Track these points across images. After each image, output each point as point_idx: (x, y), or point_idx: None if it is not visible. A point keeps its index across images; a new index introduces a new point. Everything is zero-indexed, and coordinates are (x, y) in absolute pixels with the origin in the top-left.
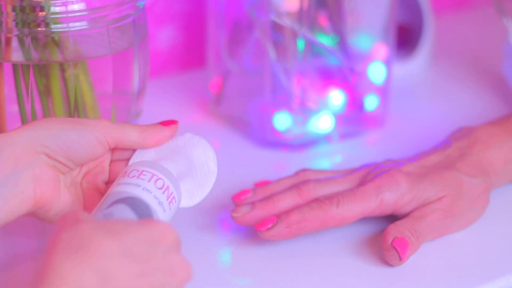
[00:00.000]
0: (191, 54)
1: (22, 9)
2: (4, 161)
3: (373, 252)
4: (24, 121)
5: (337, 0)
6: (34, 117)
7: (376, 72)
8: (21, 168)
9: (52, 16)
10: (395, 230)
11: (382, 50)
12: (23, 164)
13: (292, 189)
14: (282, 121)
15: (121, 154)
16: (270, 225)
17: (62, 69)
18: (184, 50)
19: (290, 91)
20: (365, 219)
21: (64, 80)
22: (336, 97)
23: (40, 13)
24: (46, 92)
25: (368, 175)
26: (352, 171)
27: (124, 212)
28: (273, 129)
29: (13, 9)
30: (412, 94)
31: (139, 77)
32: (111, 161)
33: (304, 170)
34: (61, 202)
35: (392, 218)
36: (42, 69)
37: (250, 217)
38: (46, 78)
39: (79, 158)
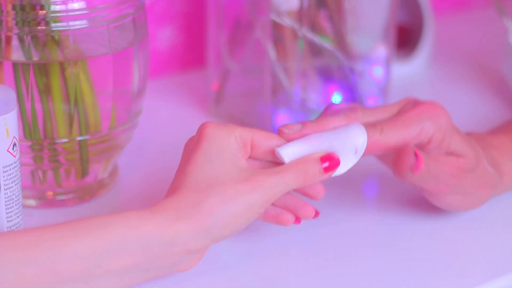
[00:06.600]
0: (191, 54)
1: (22, 7)
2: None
3: (372, 252)
4: (24, 120)
5: (337, 0)
6: (34, 116)
7: (376, 72)
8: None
9: (52, 14)
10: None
11: (382, 50)
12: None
13: (340, 115)
14: (282, 120)
15: None
16: None
17: (62, 68)
18: (184, 50)
19: (290, 91)
20: (361, 219)
21: (64, 79)
22: (336, 97)
23: (40, 11)
24: (46, 91)
25: (409, 103)
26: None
27: None
28: (273, 129)
29: (13, 8)
30: (412, 94)
31: (139, 76)
32: None
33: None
34: None
35: (392, 218)
36: (42, 68)
37: (300, 135)
38: (46, 77)
39: None
